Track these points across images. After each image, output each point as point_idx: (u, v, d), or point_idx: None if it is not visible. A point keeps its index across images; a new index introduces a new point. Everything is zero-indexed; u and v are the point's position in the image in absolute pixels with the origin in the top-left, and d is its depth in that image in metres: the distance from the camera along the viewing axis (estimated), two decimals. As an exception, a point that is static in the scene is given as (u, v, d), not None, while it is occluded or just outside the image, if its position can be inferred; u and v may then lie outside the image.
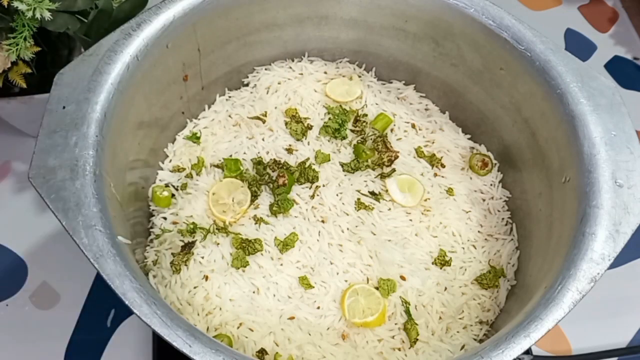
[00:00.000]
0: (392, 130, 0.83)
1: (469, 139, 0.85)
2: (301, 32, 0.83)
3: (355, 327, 0.68)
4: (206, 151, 0.80)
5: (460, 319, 0.71)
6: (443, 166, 0.81)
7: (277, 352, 0.66)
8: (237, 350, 0.54)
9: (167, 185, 0.77)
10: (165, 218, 0.75)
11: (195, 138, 0.81)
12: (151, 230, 0.75)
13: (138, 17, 0.67)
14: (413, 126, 0.84)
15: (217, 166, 0.78)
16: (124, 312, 0.80)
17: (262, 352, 0.66)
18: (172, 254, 0.71)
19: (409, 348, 0.68)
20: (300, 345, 0.66)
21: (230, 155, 0.79)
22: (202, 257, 0.71)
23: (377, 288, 0.70)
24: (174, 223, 0.74)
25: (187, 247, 0.71)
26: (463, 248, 0.76)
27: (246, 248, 0.71)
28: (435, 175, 0.81)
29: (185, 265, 0.70)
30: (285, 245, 0.72)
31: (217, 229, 0.73)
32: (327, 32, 0.83)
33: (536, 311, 0.55)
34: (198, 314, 0.68)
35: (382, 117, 0.82)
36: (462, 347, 0.69)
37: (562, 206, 0.65)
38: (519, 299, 0.70)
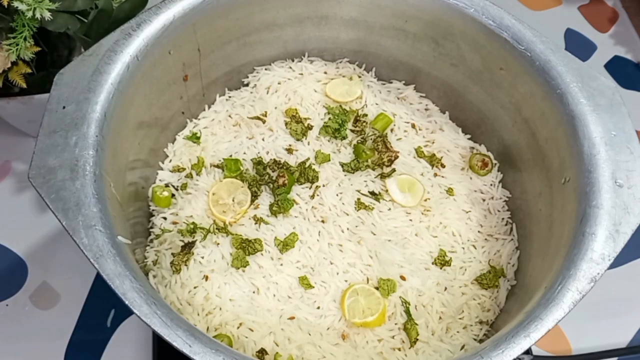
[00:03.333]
0: (392, 130, 0.83)
1: (469, 139, 0.85)
2: (301, 32, 0.83)
3: (355, 327, 0.68)
4: (206, 151, 0.80)
5: (460, 319, 0.71)
6: (443, 166, 0.81)
7: (277, 352, 0.66)
8: (237, 350, 0.54)
9: (167, 185, 0.77)
10: (165, 218, 0.75)
11: (195, 138, 0.81)
12: (151, 230, 0.75)
13: (138, 17, 0.67)
14: (413, 126, 0.84)
15: (217, 166, 0.78)
16: (124, 312, 0.80)
17: (262, 352, 0.66)
18: (172, 254, 0.71)
19: (409, 348, 0.68)
20: (300, 345, 0.66)
21: (230, 155, 0.79)
22: (202, 257, 0.71)
23: (377, 288, 0.70)
24: (174, 223, 0.74)
25: (187, 247, 0.71)
26: (463, 248, 0.76)
27: (246, 248, 0.71)
28: (435, 175, 0.81)
29: (185, 265, 0.70)
30: (285, 245, 0.72)
31: (217, 229, 0.72)
32: (327, 32, 0.83)
33: (536, 311, 0.55)
34: (198, 314, 0.68)
35: (382, 117, 0.82)
36: (462, 347, 0.69)
37: (562, 206, 0.65)
38: (519, 299, 0.70)
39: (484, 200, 0.80)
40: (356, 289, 0.70)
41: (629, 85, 1.07)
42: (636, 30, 1.15)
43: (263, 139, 0.80)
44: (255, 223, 0.73)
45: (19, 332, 0.78)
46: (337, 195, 0.76)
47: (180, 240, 0.72)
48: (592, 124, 0.64)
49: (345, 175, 0.79)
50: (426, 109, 0.86)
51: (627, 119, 0.64)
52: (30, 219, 0.86)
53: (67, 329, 0.79)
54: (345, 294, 0.69)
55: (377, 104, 0.85)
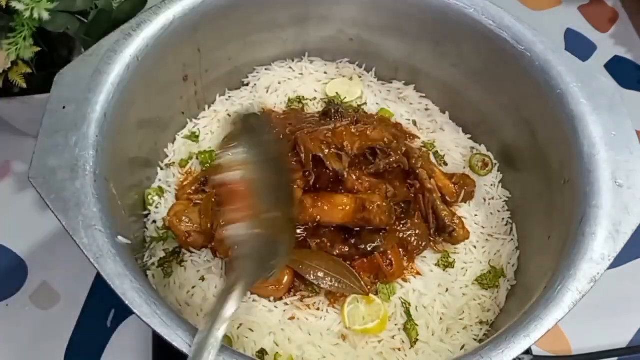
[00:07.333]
0: (392, 130, 0.83)
1: (469, 139, 0.85)
2: (301, 32, 0.83)
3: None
4: (203, 149, 0.79)
5: (460, 319, 0.71)
6: (445, 164, 0.81)
7: (277, 352, 0.66)
8: (237, 350, 0.54)
9: (161, 189, 0.77)
10: (155, 221, 0.75)
11: (194, 137, 0.80)
12: (148, 231, 0.75)
13: (138, 17, 0.67)
14: (414, 123, 0.84)
15: (215, 165, 0.78)
16: (124, 312, 0.80)
17: (262, 352, 0.66)
18: (164, 255, 0.71)
19: (409, 348, 0.68)
20: (300, 345, 0.66)
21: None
22: (199, 257, 0.71)
23: (376, 293, 0.70)
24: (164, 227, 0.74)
25: (173, 254, 0.71)
26: (465, 249, 0.76)
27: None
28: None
29: (182, 266, 0.70)
30: (285, 245, 0.71)
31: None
32: (327, 32, 0.83)
33: (536, 311, 0.55)
34: (197, 314, 0.68)
35: (383, 112, 0.82)
36: (462, 347, 0.69)
37: (562, 206, 0.65)
38: (519, 299, 0.70)
39: (484, 200, 0.80)
40: (356, 296, 0.69)
41: (629, 85, 1.07)
42: (636, 30, 1.15)
43: (263, 139, 0.80)
44: (255, 223, 0.73)
45: (19, 332, 0.78)
46: (337, 195, 0.76)
47: (175, 242, 0.72)
48: (592, 124, 0.63)
49: (345, 175, 0.78)
50: (426, 109, 0.86)
51: (627, 119, 0.64)
52: (30, 219, 0.86)
53: (67, 329, 0.79)
54: (346, 300, 0.69)
55: (377, 104, 0.85)
